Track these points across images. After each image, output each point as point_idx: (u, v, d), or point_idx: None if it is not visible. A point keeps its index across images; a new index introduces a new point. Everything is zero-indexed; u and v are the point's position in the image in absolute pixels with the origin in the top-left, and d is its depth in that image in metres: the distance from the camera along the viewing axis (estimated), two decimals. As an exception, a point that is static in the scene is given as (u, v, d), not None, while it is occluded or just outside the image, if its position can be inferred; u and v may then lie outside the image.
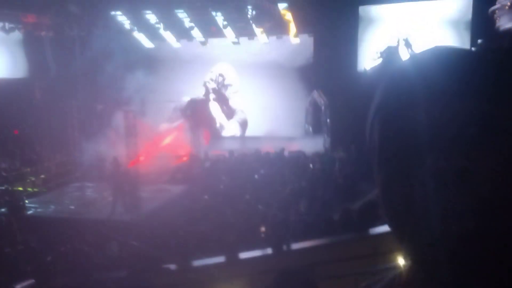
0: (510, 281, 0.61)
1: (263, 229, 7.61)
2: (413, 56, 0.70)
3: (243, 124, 20.82)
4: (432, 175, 0.61)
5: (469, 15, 15.14)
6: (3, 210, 11.06)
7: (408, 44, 15.49)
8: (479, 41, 12.01)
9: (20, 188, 13.62)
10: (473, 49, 0.68)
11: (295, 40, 17.48)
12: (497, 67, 0.63)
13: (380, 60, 15.74)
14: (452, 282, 0.62)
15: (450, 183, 0.60)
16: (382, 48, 15.84)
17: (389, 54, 15.36)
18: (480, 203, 0.59)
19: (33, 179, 14.41)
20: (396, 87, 0.68)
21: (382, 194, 0.69)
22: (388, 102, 0.68)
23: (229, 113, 21.08)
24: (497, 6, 12.26)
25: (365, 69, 16.06)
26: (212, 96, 21.14)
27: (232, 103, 21.03)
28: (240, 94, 20.51)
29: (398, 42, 15.66)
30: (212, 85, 21.27)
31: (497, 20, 12.18)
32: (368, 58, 16.20)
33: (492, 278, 0.61)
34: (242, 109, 20.82)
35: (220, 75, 20.98)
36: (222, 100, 21.15)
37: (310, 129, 17.78)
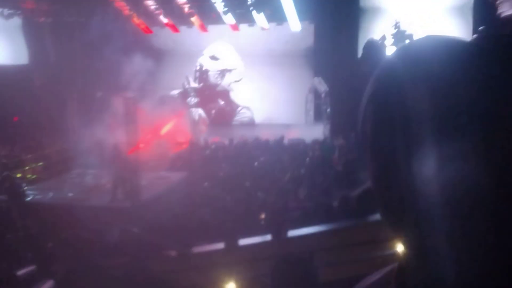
0: (507, 267, 0.61)
1: (262, 215, 7.64)
2: (406, 46, 0.70)
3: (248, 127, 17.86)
4: (425, 165, 0.60)
5: (470, 3, 15.05)
6: (3, 197, 11.08)
7: (400, 36, 15.28)
8: (480, 28, 11.94)
9: (20, 175, 13.63)
10: (465, 38, 0.68)
11: (296, 27, 17.37)
12: (491, 55, 0.62)
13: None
14: (447, 271, 0.62)
15: (443, 173, 0.60)
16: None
17: (368, 48, 15.22)
18: (475, 193, 0.59)
19: (33, 165, 14.42)
20: (389, 76, 0.68)
21: (374, 184, 0.70)
22: (381, 91, 0.68)
23: (228, 112, 18.12)
24: (498, -7, 12.19)
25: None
26: (192, 100, 17.51)
27: (234, 97, 18.25)
28: (244, 83, 18.47)
29: (383, 37, 15.48)
30: (192, 84, 17.51)
31: (498, 7, 12.11)
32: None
33: (489, 264, 0.61)
34: (247, 105, 18.32)
35: (213, 57, 17.83)
36: (215, 97, 17.85)
37: (310, 116, 17.73)
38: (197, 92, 17.84)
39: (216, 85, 18.00)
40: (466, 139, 0.59)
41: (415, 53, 0.66)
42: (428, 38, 0.68)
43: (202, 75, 18.03)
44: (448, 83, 0.60)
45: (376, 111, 0.68)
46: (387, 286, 0.77)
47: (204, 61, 18.13)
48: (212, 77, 18.10)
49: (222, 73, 18.03)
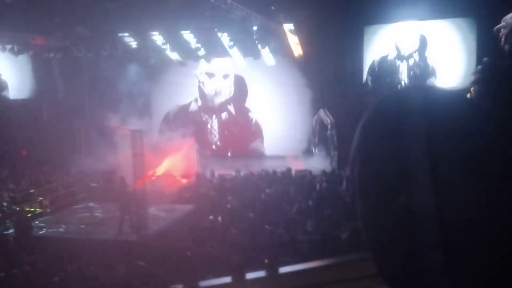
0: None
1: (266, 261, 7.56)
2: (390, 96, 0.72)
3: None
4: (405, 210, 0.62)
5: (474, 34, 15.18)
6: (10, 231, 11.07)
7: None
8: (485, 59, 12.01)
9: (28, 209, 13.64)
10: (453, 88, 0.70)
11: (301, 60, 17.52)
12: (478, 111, 0.65)
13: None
14: None
15: (422, 218, 0.61)
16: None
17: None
18: (450, 238, 0.60)
19: (40, 199, 14.43)
20: (374, 127, 0.71)
21: (362, 224, 0.72)
22: (367, 142, 0.73)
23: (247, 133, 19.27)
24: (502, 24, 12.30)
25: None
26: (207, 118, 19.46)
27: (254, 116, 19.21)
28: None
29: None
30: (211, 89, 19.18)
31: (502, 39, 12.20)
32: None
33: None
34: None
35: (225, 76, 18.96)
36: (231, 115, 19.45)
37: (317, 147, 17.71)
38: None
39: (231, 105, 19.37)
40: (448, 188, 0.61)
41: (398, 103, 0.69)
42: (415, 87, 0.71)
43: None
44: (432, 132, 0.63)
45: (363, 160, 0.72)
46: None
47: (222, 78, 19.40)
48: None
49: (242, 92, 19.29)
